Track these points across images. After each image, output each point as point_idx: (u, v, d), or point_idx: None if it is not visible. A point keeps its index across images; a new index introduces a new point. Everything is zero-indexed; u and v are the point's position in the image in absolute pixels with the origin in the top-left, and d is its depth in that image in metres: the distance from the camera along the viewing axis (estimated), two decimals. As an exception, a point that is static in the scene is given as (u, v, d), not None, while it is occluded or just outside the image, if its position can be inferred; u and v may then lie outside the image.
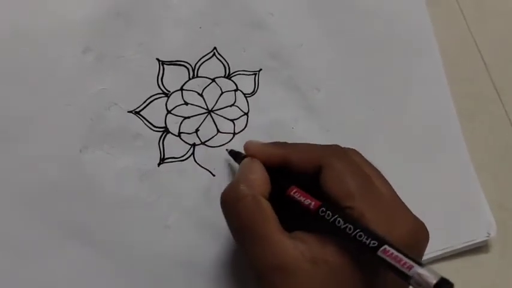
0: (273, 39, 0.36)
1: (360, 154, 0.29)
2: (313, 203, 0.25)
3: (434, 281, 0.20)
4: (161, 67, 0.33)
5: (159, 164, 0.32)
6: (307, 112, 0.35)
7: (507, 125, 0.42)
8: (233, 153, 0.32)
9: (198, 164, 0.32)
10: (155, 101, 0.33)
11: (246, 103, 0.34)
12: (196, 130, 0.33)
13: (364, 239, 0.22)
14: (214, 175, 0.33)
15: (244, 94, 0.35)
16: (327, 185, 0.25)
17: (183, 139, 0.33)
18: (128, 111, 0.32)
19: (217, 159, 0.33)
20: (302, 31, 0.37)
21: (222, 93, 0.34)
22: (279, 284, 0.23)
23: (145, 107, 0.32)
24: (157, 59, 0.33)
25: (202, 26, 0.34)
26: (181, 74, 0.33)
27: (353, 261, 0.23)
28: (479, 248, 0.37)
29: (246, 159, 0.29)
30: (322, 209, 0.25)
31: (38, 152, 0.30)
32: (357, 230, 0.23)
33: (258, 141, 0.30)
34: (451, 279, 0.21)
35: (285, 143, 0.29)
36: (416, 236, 0.25)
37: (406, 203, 0.26)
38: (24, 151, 0.30)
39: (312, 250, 0.24)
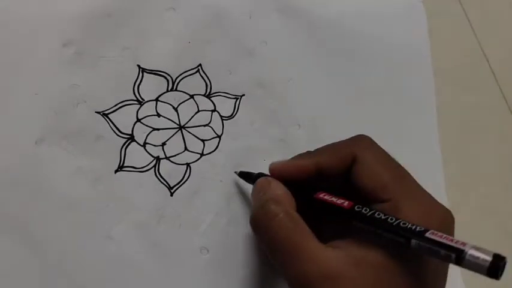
0: (262, 68, 0.35)
1: None
2: (346, 202, 0.25)
3: (489, 258, 0.19)
4: (140, 74, 0.32)
5: (116, 171, 0.30)
6: (282, 146, 0.34)
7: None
8: (244, 174, 0.31)
9: (158, 178, 0.31)
10: (126, 106, 0.31)
11: (221, 126, 0.33)
12: (163, 144, 0.32)
13: (408, 225, 0.22)
14: (172, 194, 0.31)
15: (221, 116, 0.33)
16: (361, 178, 0.25)
17: (148, 150, 0.31)
18: (96, 112, 0.31)
19: (178, 177, 0.31)
20: (293, 65, 0.36)
21: (198, 111, 0.33)
22: None
23: (114, 111, 0.31)
24: (138, 66, 0.32)
25: (192, 41, 0.34)
26: (160, 84, 0.32)
27: (395, 257, 0.23)
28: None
29: (262, 179, 0.28)
30: (357, 205, 0.24)
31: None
32: (399, 220, 0.22)
33: (280, 160, 0.29)
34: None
35: (308, 151, 0.28)
36: (448, 224, 0.25)
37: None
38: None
39: (352, 255, 0.23)
